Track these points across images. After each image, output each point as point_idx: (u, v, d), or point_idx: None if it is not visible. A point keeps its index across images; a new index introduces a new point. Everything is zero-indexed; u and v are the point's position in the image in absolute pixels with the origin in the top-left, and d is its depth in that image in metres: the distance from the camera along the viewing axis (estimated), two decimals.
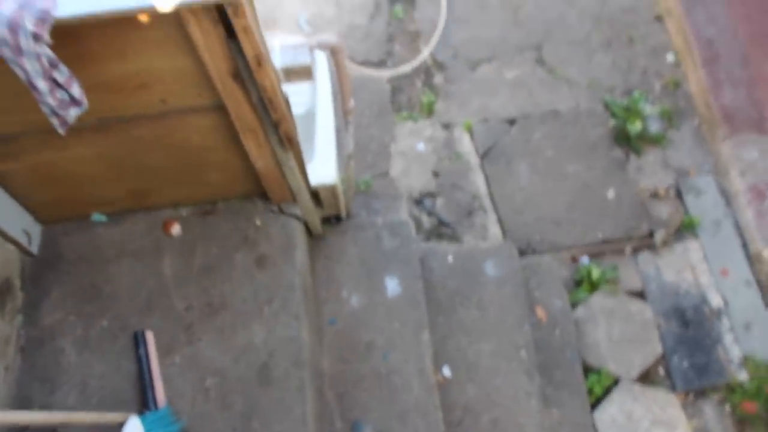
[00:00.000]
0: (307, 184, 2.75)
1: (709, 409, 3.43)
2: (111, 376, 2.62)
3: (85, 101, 1.90)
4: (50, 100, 1.79)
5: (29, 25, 1.55)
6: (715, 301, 3.67)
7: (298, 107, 2.55)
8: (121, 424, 2.33)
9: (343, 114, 2.87)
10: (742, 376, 3.47)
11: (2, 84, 1.92)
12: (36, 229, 2.85)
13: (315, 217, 2.95)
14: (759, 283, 3.71)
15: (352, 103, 2.81)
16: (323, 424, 2.77)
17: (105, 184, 2.70)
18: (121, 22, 1.79)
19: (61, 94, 1.82)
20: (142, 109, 2.26)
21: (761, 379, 3.44)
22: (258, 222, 2.83)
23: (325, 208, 3.03)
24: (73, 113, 1.91)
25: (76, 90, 1.85)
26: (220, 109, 2.27)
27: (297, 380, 2.57)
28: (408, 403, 2.82)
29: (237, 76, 2.07)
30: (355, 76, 4.18)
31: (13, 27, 1.55)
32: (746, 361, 3.50)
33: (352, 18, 4.45)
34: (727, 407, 3.43)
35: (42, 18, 1.57)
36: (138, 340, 2.64)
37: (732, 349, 3.54)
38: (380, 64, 4.34)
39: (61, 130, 1.95)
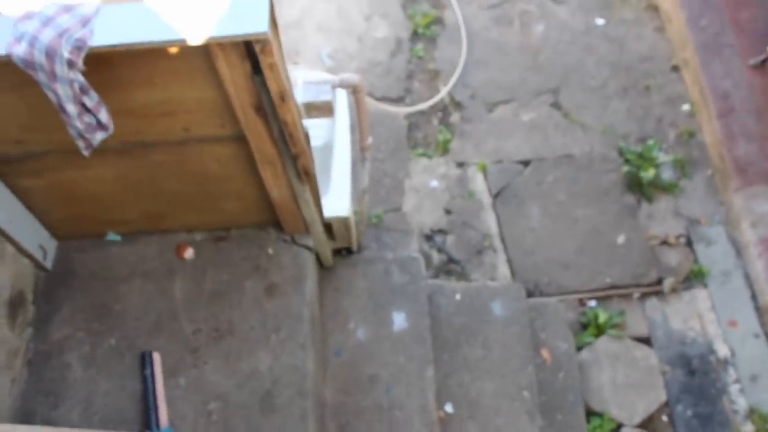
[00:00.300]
0: (320, 216, 2.80)
1: None
2: (115, 394, 2.65)
3: (111, 126, 1.98)
4: (78, 124, 1.86)
5: (65, 52, 1.62)
6: (722, 351, 3.66)
7: (316, 140, 2.62)
8: None
9: (360, 150, 2.93)
10: (747, 428, 3.45)
11: (34, 105, 2.00)
12: (51, 245, 2.91)
13: (326, 249, 3.00)
14: (767, 335, 3.70)
15: (370, 140, 2.87)
16: None
17: (122, 205, 2.76)
18: (152, 53, 1.86)
19: (89, 119, 1.89)
20: (164, 135, 2.33)
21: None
22: (270, 251, 2.88)
23: (337, 240, 3.07)
24: (98, 137, 1.98)
25: (104, 115, 1.92)
26: (241, 140, 2.33)
27: (299, 409, 2.59)
28: None
29: (260, 109, 2.14)
30: (373, 111, 4.25)
31: (50, 54, 1.62)
32: (752, 413, 3.48)
33: (374, 54, 4.54)
34: None
35: (78, 46, 1.65)
36: (145, 361, 2.68)
37: (738, 400, 3.53)
38: (398, 100, 4.42)
39: (85, 153, 2.02)
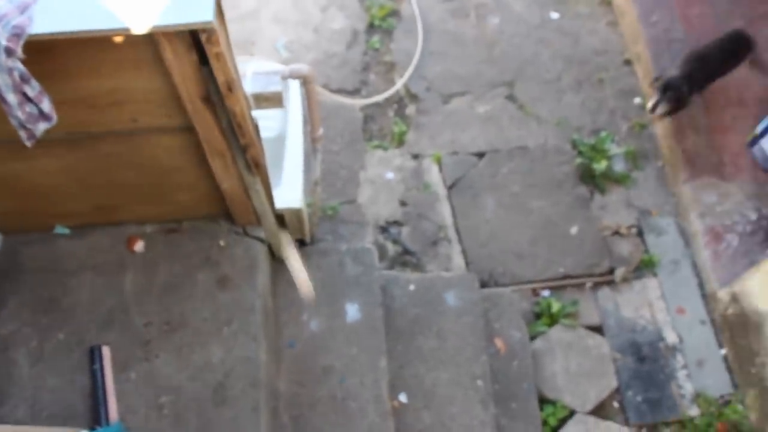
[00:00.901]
0: (272, 208, 2.81)
1: None
2: (63, 390, 2.63)
3: (54, 116, 1.95)
4: (19, 114, 1.84)
5: (3, 40, 1.60)
6: (671, 338, 3.77)
7: (268, 131, 2.62)
8: None
9: (311, 141, 2.95)
10: (694, 411, 3.57)
11: None
12: None
13: (279, 241, 3.00)
14: (713, 322, 3.83)
15: (321, 131, 2.89)
16: None
17: (70, 197, 2.73)
18: (96, 41, 1.84)
19: (30, 108, 1.86)
20: (112, 126, 2.30)
21: (711, 415, 3.54)
22: (222, 243, 2.88)
23: (289, 232, 3.08)
24: (41, 127, 1.96)
25: (46, 105, 1.89)
26: (190, 130, 2.32)
27: (252, 401, 2.60)
28: (362, 428, 2.85)
29: (208, 100, 2.13)
30: (329, 103, 4.26)
31: None
32: (698, 397, 3.60)
33: (330, 46, 4.55)
34: None
35: (16, 34, 1.63)
36: (94, 355, 2.66)
37: (685, 385, 3.64)
38: (354, 92, 4.43)
39: (28, 143, 1.99)
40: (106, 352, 2.67)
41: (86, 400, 2.61)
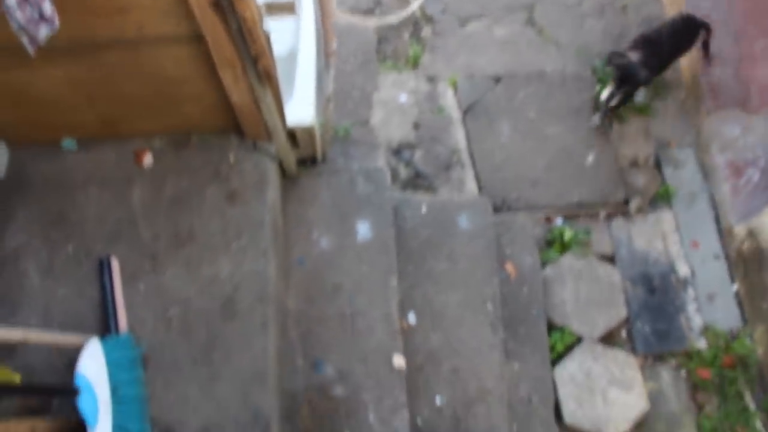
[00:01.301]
0: (283, 123, 2.76)
1: (665, 373, 3.54)
2: (74, 301, 2.65)
3: (56, 21, 1.88)
4: (18, 15, 1.77)
5: None
6: (683, 271, 3.75)
7: (280, 46, 2.55)
8: (80, 347, 2.36)
9: (324, 56, 2.87)
10: (701, 344, 3.58)
11: None
12: (3, 152, 2.84)
13: (290, 158, 2.97)
14: (727, 257, 3.79)
15: (334, 44, 2.82)
16: (285, 361, 2.83)
17: (75, 109, 2.69)
18: None
19: (30, 10, 1.80)
20: (117, 34, 2.25)
21: (718, 348, 3.55)
22: (231, 158, 2.85)
23: (300, 149, 3.04)
24: (43, 32, 1.89)
25: (48, 7, 1.82)
26: (198, 39, 2.26)
27: (261, 315, 2.62)
28: (371, 346, 2.88)
29: (217, 5, 2.07)
30: (342, 23, 4.16)
31: None
32: (706, 330, 3.61)
33: None
34: (683, 372, 3.54)
35: None
36: (103, 267, 2.67)
37: (694, 318, 3.64)
38: (368, 12, 4.32)
39: (30, 49, 1.93)
40: (114, 264, 2.68)
41: (96, 310, 2.63)
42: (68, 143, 2.88)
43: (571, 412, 3.30)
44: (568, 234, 3.70)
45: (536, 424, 3.23)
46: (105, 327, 2.59)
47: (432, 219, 3.34)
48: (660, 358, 3.57)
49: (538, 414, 3.26)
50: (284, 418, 2.75)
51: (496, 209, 3.68)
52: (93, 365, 2.35)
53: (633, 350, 3.56)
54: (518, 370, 3.29)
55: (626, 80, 3.79)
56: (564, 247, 3.69)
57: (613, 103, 3.93)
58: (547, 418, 3.27)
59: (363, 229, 3.08)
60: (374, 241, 3.07)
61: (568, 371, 3.38)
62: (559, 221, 3.80)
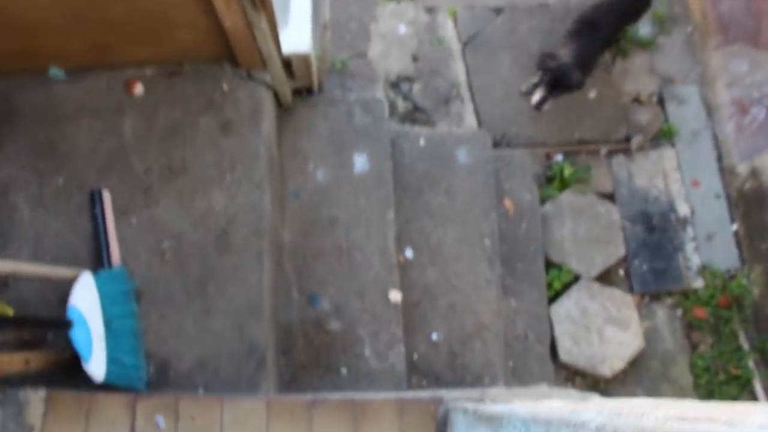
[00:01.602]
0: (278, 51, 2.69)
1: (661, 312, 3.57)
2: (65, 234, 2.63)
3: None
4: None
5: None
6: (683, 210, 3.74)
7: None
8: (73, 280, 2.34)
9: None
10: (698, 283, 3.59)
11: None
12: None
13: (285, 87, 2.90)
14: (728, 196, 3.78)
15: None
16: (280, 294, 2.83)
17: (63, 35, 2.61)
18: None
19: None
20: None
21: (715, 288, 3.57)
22: (225, 87, 2.78)
23: (296, 79, 2.97)
24: None
25: None
26: None
27: (255, 248, 2.60)
28: (368, 280, 2.88)
29: None
30: None
31: None
32: (704, 270, 3.62)
33: None
34: (679, 312, 3.57)
35: None
36: (94, 199, 2.64)
37: (692, 257, 3.65)
38: None
39: None
40: (106, 196, 2.64)
41: (88, 244, 2.61)
42: (56, 72, 2.80)
43: (566, 350, 3.33)
44: (568, 170, 3.66)
45: (532, 361, 3.26)
46: (98, 261, 2.57)
47: (430, 152, 3.29)
48: (656, 297, 3.60)
49: (534, 351, 3.29)
50: (280, 351, 2.76)
51: (496, 144, 3.63)
52: (86, 298, 2.33)
53: (630, 289, 3.58)
54: (515, 307, 3.31)
55: (558, 85, 3.51)
56: (563, 184, 3.67)
57: (546, 108, 3.71)
58: (543, 355, 3.31)
59: (360, 162, 3.04)
60: (371, 173, 3.03)
61: (565, 309, 3.40)
62: (559, 157, 3.76)
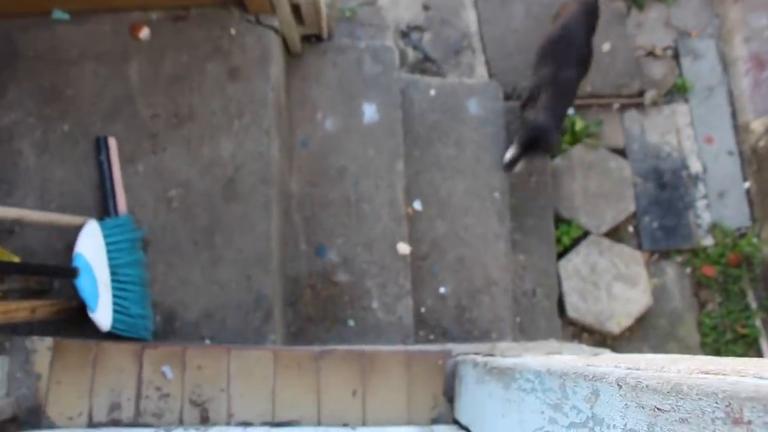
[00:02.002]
0: None
1: (670, 270, 3.54)
2: (71, 181, 2.58)
3: None
4: None
5: None
6: (695, 167, 3.68)
7: None
8: (79, 228, 2.31)
9: None
10: (708, 241, 3.56)
11: None
12: None
13: (294, 33, 2.82)
14: (741, 153, 3.72)
15: None
16: (288, 245, 2.79)
17: None
18: None
19: None
20: None
21: (725, 246, 3.53)
22: (233, 31, 2.70)
23: (305, 25, 2.89)
24: None
25: None
26: None
27: (263, 197, 2.56)
28: (376, 232, 2.84)
29: None
30: None
31: None
32: (714, 228, 3.58)
33: None
34: (688, 270, 3.55)
35: None
36: (100, 146, 2.59)
37: (703, 215, 3.60)
38: None
39: None
40: (112, 143, 2.59)
41: (94, 192, 2.57)
42: (59, 14, 2.72)
43: (574, 306, 3.32)
44: (579, 125, 3.60)
45: (539, 317, 3.25)
46: (104, 209, 2.54)
47: (441, 103, 3.22)
48: (666, 255, 3.56)
49: (542, 306, 3.28)
50: (287, 303, 2.74)
51: (507, 97, 3.56)
52: (92, 246, 2.30)
53: (639, 246, 3.55)
54: (524, 261, 3.28)
55: (535, 146, 3.08)
56: (575, 138, 3.61)
57: (518, 169, 3.30)
58: (551, 311, 3.29)
59: (369, 111, 2.97)
60: (381, 123, 2.97)
61: (574, 265, 3.37)
62: (570, 111, 3.68)
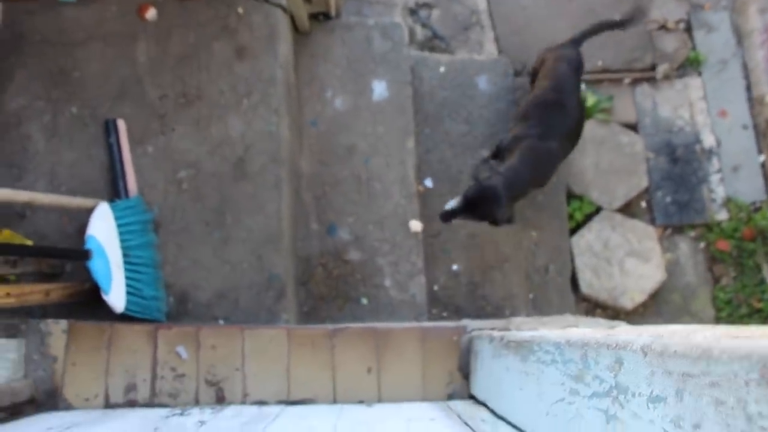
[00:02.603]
0: None
1: (684, 245, 3.50)
2: (81, 164, 2.57)
3: None
4: None
5: None
6: (708, 141, 3.63)
7: None
8: (90, 210, 2.30)
9: None
10: (722, 216, 3.52)
11: None
12: None
13: (302, 11, 2.79)
14: (756, 127, 3.66)
15: None
16: (298, 225, 2.78)
17: None
18: None
19: None
20: None
21: (740, 220, 3.49)
22: (240, 10, 2.67)
23: (313, 2, 2.85)
24: None
25: None
26: None
27: (273, 177, 2.54)
28: (387, 210, 2.83)
29: None
30: None
31: None
32: (728, 202, 3.53)
33: None
34: (702, 245, 3.51)
35: None
36: (109, 128, 2.57)
37: (717, 189, 3.56)
38: None
39: None
40: (121, 125, 2.58)
41: (104, 174, 2.56)
42: None
43: (587, 282, 3.29)
44: (590, 100, 3.55)
45: (552, 293, 3.23)
46: (114, 191, 2.52)
47: (451, 80, 3.19)
48: (679, 230, 3.53)
49: (555, 283, 3.25)
50: (299, 282, 2.73)
51: (516, 74, 3.51)
52: (104, 229, 2.29)
53: (652, 221, 3.51)
54: (536, 238, 3.25)
55: (474, 210, 2.61)
56: (586, 113, 3.54)
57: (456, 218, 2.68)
58: (564, 287, 3.27)
59: (379, 89, 2.95)
60: (391, 100, 2.94)
61: (586, 241, 3.34)
62: (581, 86, 3.63)
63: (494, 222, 2.65)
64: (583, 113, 2.97)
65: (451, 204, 2.61)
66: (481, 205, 2.57)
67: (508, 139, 2.80)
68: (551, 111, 2.79)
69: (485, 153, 3.14)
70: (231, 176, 2.54)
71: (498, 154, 2.87)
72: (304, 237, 2.79)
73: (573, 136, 2.92)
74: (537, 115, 2.78)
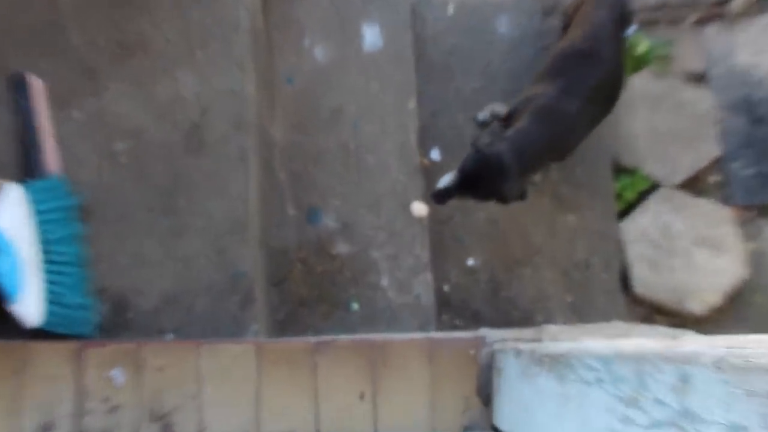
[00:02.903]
0: None
1: None
2: None
3: None
4: None
5: None
6: None
7: None
8: None
9: None
10: None
11: None
12: None
13: None
14: None
15: None
16: (271, 209, 2.80)
17: None
18: None
19: None
20: None
21: None
22: None
23: None
24: None
25: None
26: None
27: (237, 148, 2.54)
28: (382, 189, 2.85)
29: None
30: None
31: None
32: None
33: None
34: None
35: None
36: (17, 87, 2.54)
37: None
38: None
39: None
40: (36, 83, 2.55)
41: (13, 146, 2.53)
42: None
43: (642, 280, 3.32)
44: (643, 46, 3.57)
45: (597, 294, 3.25)
46: (28, 168, 2.51)
47: (462, 23, 3.23)
48: (765, 210, 3.53)
49: (599, 281, 3.27)
50: (272, 282, 2.74)
51: (546, 13, 3.50)
52: (13, 217, 2.28)
53: (727, 200, 3.51)
54: (574, 224, 3.26)
55: (476, 184, 2.61)
56: (637, 63, 3.58)
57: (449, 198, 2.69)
58: (611, 286, 3.30)
59: (371, 35, 2.97)
60: (386, 50, 2.95)
61: (640, 226, 3.36)
62: (631, 29, 3.63)
63: (502, 199, 2.64)
64: (622, 70, 2.95)
65: (446, 180, 2.60)
66: (483, 178, 2.55)
67: (519, 98, 2.79)
68: (579, 64, 2.78)
69: (482, 114, 3.10)
70: (183, 148, 2.54)
71: (507, 117, 2.86)
72: (278, 225, 2.81)
73: (607, 98, 2.91)
74: (563, 70, 2.77)
